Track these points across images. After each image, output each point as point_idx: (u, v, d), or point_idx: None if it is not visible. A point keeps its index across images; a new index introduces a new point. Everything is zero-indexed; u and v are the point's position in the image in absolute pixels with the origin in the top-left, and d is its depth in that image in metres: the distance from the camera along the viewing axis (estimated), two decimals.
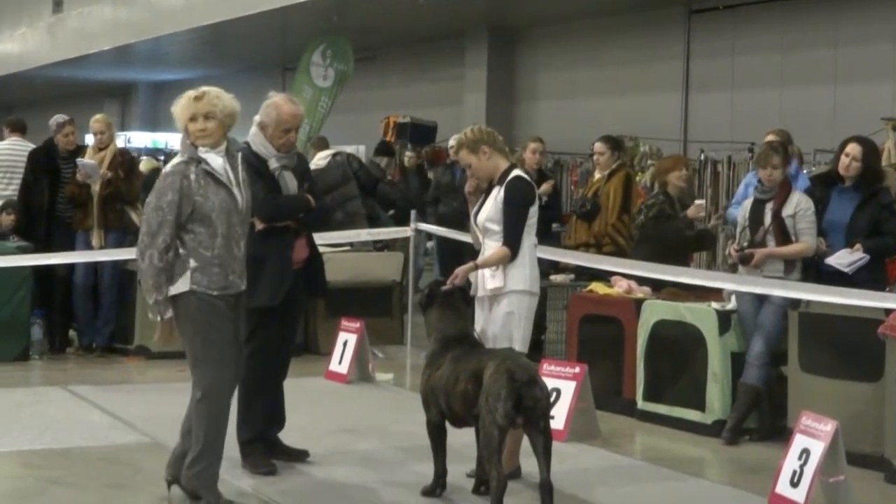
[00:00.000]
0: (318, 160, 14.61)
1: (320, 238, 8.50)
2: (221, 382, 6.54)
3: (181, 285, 6.44)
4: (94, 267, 11.88)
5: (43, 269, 11.68)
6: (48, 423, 8.82)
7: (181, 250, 6.44)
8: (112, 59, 29.73)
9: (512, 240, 7.17)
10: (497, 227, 7.20)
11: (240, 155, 6.89)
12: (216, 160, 6.51)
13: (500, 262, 7.16)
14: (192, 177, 6.43)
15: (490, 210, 7.26)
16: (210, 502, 6.55)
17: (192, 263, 6.43)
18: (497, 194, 7.25)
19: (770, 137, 10.11)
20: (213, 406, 6.52)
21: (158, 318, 6.45)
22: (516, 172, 7.33)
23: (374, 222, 14.60)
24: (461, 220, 12.04)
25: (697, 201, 10.33)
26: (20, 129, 13.55)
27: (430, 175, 17.46)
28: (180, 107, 6.55)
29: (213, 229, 6.43)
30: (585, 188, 11.94)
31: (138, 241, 6.51)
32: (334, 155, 14.83)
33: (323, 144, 15.48)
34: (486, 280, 7.21)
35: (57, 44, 31.57)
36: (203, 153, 6.49)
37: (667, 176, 10.43)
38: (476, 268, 7.20)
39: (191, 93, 6.57)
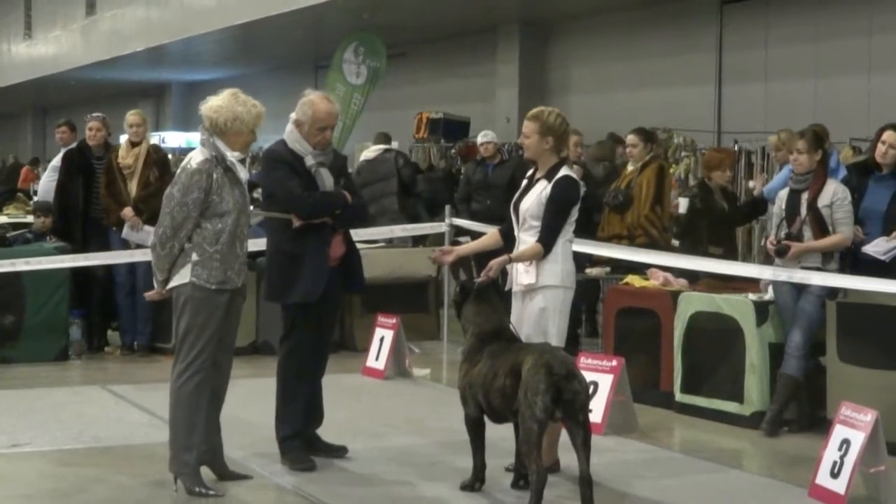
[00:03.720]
0: (368, 152, 14.96)
1: (356, 235, 8.52)
2: (195, 373, 6.85)
3: (181, 277, 6.86)
4: (133, 266, 11.92)
5: (81, 270, 11.74)
6: (88, 422, 8.88)
7: (186, 244, 6.83)
8: (145, 60, 29.84)
9: (548, 238, 7.15)
10: (536, 223, 7.18)
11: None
12: (238, 162, 6.91)
13: (532, 259, 7.15)
14: (215, 176, 6.80)
15: (532, 204, 7.22)
16: (187, 487, 6.85)
17: (195, 257, 6.83)
18: (543, 189, 7.22)
19: None
20: (181, 393, 6.86)
21: (162, 288, 6.99)
22: (565, 171, 7.30)
23: (415, 221, 14.64)
24: (493, 218, 12.04)
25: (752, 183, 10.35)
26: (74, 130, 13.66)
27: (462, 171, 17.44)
28: (255, 115, 6.92)
29: (222, 227, 6.81)
30: (618, 180, 11.91)
31: (159, 230, 6.89)
32: (385, 151, 15.03)
33: (383, 139, 15.62)
34: (520, 275, 7.21)
35: (90, 45, 31.74)
36: (229, 153, 6.86)
37: (711, 172, 10.51)
38: (510, 261, 7.20)
39: (262, 107, 6.99)
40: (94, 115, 12.39)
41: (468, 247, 8.00)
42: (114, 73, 32.66)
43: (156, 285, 7.04)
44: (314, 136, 7.50)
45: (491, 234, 7.82)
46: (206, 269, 6.80)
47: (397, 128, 23.11)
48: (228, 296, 6.91)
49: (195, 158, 6.89)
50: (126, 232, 11.82)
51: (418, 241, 14.72)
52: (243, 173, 6.98)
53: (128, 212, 11.72)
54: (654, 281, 10.03)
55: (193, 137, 31.06)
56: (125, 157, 11.86)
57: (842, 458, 6.74)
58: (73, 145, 12.77)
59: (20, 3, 39.13)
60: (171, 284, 6.90)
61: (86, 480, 7.28)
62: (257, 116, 6.93)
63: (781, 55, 17.58)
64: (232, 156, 6.87)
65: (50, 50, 35.54)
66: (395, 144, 20.12)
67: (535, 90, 22.06)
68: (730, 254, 10.30)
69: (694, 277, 9.92)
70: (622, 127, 15.11)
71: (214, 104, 6.91)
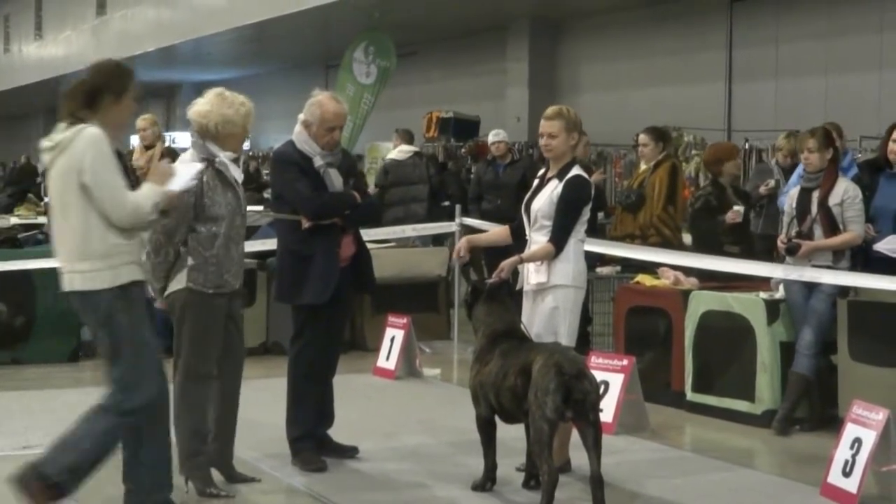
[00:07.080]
0: (397, 153, 15.03)
1: (367, 235, 8.53)
2: (199, 375, 6.83)
3: (177, 283, 6.78)
4: None
5: None
6: None
7: (182, 249, 6.75)
8: (156, 61, 29.91)
9: (559, 238, 7.13)
10: (547, 222, 7.16)
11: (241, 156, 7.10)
12: (230, 162, 6.80)
13: (543, 258, 7.15)
14: (205, 178, 6.70)
15: (545, 204, 7.21)
16: (198, 488, 6.86)
17: (190, 262, 6.74)
18: (554, 188, 7.21)
19: None
20: (186, 400, 6.83)
21: (160, 297, 6.88)
22: (577, 170, 7.28)
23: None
24: (504, 217, 12.03)
25: (735, 207, 10.23)
26: None
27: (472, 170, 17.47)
28: (244, 115, 6.84)
29: (217, 230, 6.73)
30: (630, 179, 11.88)
31: (153, 238, 6.70)
32: (416, 153, 15.12)
33: (407, 137, 15.66)
34: (531, 274, 7.20)
35: (101, 46, 31.79)
36: (222, 154, 6.78)
37: (722, 166, 10.42)
38: (521, 261, 7.20)
39: (249, 104, 6.88)
40: None
41: (479, 237, 8.04)
42: None
43: (153, 294, 6.90)
44: (322, 136, 7.50)
45: (503, 228, 7.85)
46: (202, 274, 6.72)
47: (408, 127, 23.16)
48: (226, 299, 6.86)
49: (184, 160, 6.84)
50: None
51: (439, 241, 14.72)
52: (237, 173, 6.88)
53: None
54: (665, 280, 10.01)
55: None
56: (138, 158, 11.88)
57: (854, 456, 6.73)
58: None
59: (31, 3, 39.27)
60: (168, 290, 6.82)
61: (96, 482, 7.25)
62: (247, 115, 6.86)
63: (792, 52, 17.57)
64: (225, 157, 6.79)
65: (60, 51, 35.63)
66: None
67: (545, 89, 22.07)
68: (747, 253, 10.21)
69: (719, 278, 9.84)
70: (633, 125, 15.10)
71: (202, 109, 6.82)
